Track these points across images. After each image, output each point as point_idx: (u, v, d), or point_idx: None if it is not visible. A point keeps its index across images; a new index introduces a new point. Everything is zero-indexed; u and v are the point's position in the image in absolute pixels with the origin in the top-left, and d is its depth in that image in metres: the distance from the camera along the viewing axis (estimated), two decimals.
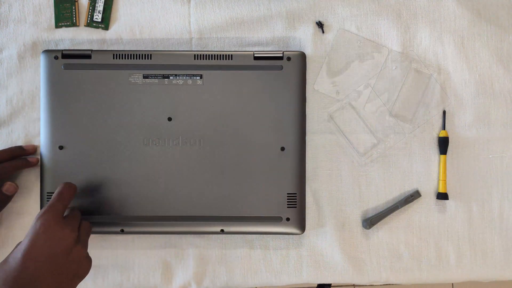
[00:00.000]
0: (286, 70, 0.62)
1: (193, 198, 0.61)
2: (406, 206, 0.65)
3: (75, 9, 0.65)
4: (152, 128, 0.61)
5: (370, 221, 0.64)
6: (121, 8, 0.65)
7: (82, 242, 0.54)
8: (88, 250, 0.64)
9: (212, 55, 0.62)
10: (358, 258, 0.65)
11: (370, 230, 0.65)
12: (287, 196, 0.61)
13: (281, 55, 0.62)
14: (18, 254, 0.49)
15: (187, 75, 0.61)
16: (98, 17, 0.64)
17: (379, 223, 0.64)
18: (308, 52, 0.64)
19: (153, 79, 0.61)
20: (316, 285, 0.78)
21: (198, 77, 0.61)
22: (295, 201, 0.62)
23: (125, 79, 0.61)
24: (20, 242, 0.51)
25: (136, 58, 0.61)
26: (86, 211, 0.61)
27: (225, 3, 0.65)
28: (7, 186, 0.61)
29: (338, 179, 0.65)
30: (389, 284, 0.66)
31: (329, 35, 0.65)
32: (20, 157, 0.62)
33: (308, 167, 0.64)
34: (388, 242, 0.65)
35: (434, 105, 0.65)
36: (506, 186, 0.66)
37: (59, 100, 0.61)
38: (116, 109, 0.61)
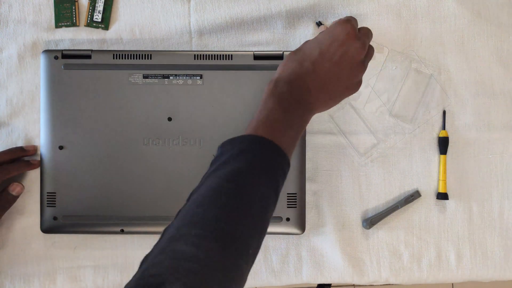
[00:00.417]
0: None
1: None
2: (406, 206, 0.65)
3: (75, 9, 0.65)
4: (152, 128, 0.61)
5: (370, 221, 0.64)
6: (121, 8, 0.65)
7: (365, 62, 0.54)
8: (88, 250, 0.64)
9: (212, 55, 0.62)
10: (358, 258, 0.65)
11: (370, 230, 0.65)
12: (287, 196, 0.61)
13: (281, 55, 0.62)
14: (316, 46, 0.51)
15: (187, 75, 0.61)
16: (98, 17, 0.64)
17: (379, 223, 0.64)
18: None
19: (153, 79, 0.61)
20: (316, 285, 0.78)
21: (198, 77, 0.61)
22: (295, 201, 0.61)
23: (125, 79, 0.61)
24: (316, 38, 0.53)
25: (136, 58, 0.61)
26: (86, 211, 0.61)
27: (225, 3, 0.65)
28: (14, 186, 0.61)
29: (338, 179, 0.65)
30: (389, 284, 0.66)
31: None
32: (21, 159, 0.62)
33: (308, 167, 0.64)
34: (388, 242, 0.65)
35: (434, 105, 0.65)
36: (506, 186, 0.66)
37: (59, 100, 0.61)
38: (116, 109, 0.61)
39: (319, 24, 0.65)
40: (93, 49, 0.63)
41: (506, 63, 0.66)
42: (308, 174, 0.64)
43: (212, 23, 0.65)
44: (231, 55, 0.62)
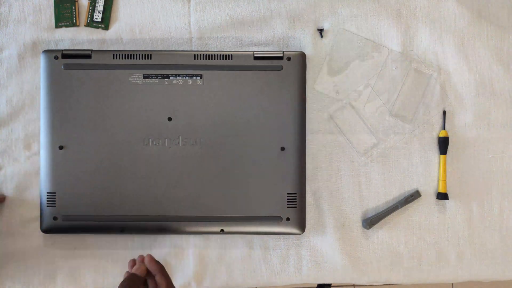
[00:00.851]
0: (286, 70, 0.62)
1: (193, 198, 0.61)
2: (406, 206, 0.65)
3: (75, 9, 0.65)
4: (152, 128, 0.61)
5: (370, 221, 0.64)
6: (121, 8, 0.65)
7: None
8: (88, 250, 0.64)
9: (212, 55, 0.62)
10: (358, 258, 0.65)
11: (370, 230, 0.65)
12: (287, 196, 0.61)
13: (281, 55, 0.62)
14: None
15: (187, 75, 0.61)
16: (98, 17, 0.64)
17: (379, 223, 0.64)
18: (308, 52, 0.64)
19: (153, 79, 0.61)
20: (316, 285, 0.78)
21: (198, 77, 0.61)
22: (295, 201, 0.61)
23: (125, 79, 0.61)
24: None
25: (136, 58, 0.61)
26: (86, 211, 0.61)
27: (225, 3, 0.65)
28: None
29: (338, 179, 0.65)
30: (389, 284, 0.66)
31: (329, 36, 0.65)
32: None
33: (308, 167, 0.64)
34: (388, 242, 0.65)
35: (434, 105, 0.65)
36: (506, 186, 0.66)
37: (59, 100, 0.61)
38: (116, 109, 0.61)
39: (320, 30, 0.65)
40: (93, 49, 0.63)
41: (506, 63, 0.66)
42: (308, 174, 0.64)
43: (212, 23, 0.65)
44: (231, 55, 0.62)
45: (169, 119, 0.61)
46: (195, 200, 0.61)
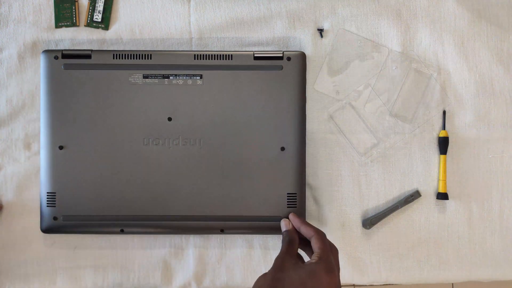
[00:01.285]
0: (286, 70, 0.62)
1: (193, 198, 0.61)
2: (406, 206, 0.65)
3: (75, 9, 0.65)
4: (152, 128, 0.61)
5: (370, 221, 0.64)
6: (121, 8, 0.65)
7: None
8: (88, 250, 0.64)
9: (212, 55, 0.62)
10: (358, 258, 0.65)
11: (370, 230, 0.65)
12: (287, 196, 0.61)
13: (281, 55, 0.62)
14: None
15: (187, 75, 0.61)
16: (98, 17, 0.64)
17: (379, 223, 0.64)
18: (308, 52, 0.64)
19: (153, 79, 0.61)
20: None
21: (198, 77, 0.61)
22: (295, 201, 0.61)
23: (125, 79, 0.61)
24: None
25: (136, 58, 0.61)
26: (86, 211, 0.61)
27: (225, 3, 0.65)
28: None
29: (338, 179, 0.65)
30: (389, 284, 0.66)
31: (329, 36, 0.65)
32: None
33: (308, 167, 0.64)
34: (388, 242, 0.65)
35: (434, 105, 0.65)
36: (506, 186, 0.66)
37: (59, 100, 0.61)
38: (116, 109, 0.61)
39: (320, 30, 0.65)
40: (93, 49, 0.63)
41: (506, 63, 0.66)
42: (308, 174, 0.64)
43: (212, 23, 0.65)
44: (231, 55, 0.62)
45: (169, 119, 0.61)
46: (195, 200, 0.61)
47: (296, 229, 0.57)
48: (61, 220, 0.61)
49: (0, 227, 0.64)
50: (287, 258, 0.52)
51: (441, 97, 0.65)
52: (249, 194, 0.61)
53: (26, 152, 0.64)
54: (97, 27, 0.65)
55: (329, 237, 0.64)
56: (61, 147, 0.61)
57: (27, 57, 0.64)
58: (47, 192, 0.61)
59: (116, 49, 0.65)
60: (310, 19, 0.65)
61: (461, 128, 0.65)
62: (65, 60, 0.61)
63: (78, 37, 0.65)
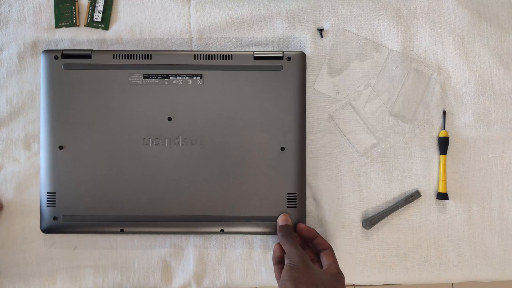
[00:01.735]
0: (286, 70, 0.62)
1: (193, 198, 0.61)
2: (406, 206, 0.65)
3: (75, 9, 0.65)
4: (152, 128, 0.61)
5: (370, 221, 0.64)
6: (121, 8, 0.65)
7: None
8: (88, 250, 0.64)
9: (212, 55, 0.62)
10: (358, 258, 0.65)
11: (370, 230, 0.65)
12: (287, 196, 0.61)
13: (281, 55, 0.62)
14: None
15: (187, 75, 0.61)
16: (98, 17, 0.64)
17: (379, 223, 0.64)
18: (308, 52, 0.64)
19: (153, 79, 0.61)
20: None
21: (198, 77, 0.61)
22: (295, 201, 0.61)
23: (125, 79, 0.61)
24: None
25: (136, 58, 0.61)
26: (86, 211, 0.61)
27: (225, 3, 0.65)
28: None
29: (338, 179, 0.65)
30: (389, 284, 0.66)
31: (329, 36, 0.65)
32: None
33: (308, 167, 0.64)
34: (388, 242, 0.65)
35: (434, 105, 0.65)
36: (506, 186, 0.66)
37: (59, 100, 0.61)
38: (116, 109, 0.61)
39: (320, 30, 0.65)
40: (93, 49, 0.63)
41: (506, 63, 0.66)
42: (308, 174, 0.64)
43: (212, 23, 0.65)
44: (231, 55, 0.62)
45: (169, 119, 0.61)
46: (195, 200, 0.61)
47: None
48: (61, 220, 0.61)
49: (0, 227, 0.64)
50: (306, 256, 0.56)
51: (441, 97, 0.65)
52: (249, 194, 0.61)
53: (26, 152, 0.64)
54: (97, 27, 0.65)
55: (329, 237, 0.65)
56: (61, 147, 0.61)
57: (27, 57, 0.64)
58: (47, 192, 0.61)
59: (116, 49, 0.65)
60: (310, 19, 0.65)
61: (461, 128, 0.65)
62: (65, 60, 0.61)
63: (78, 37, 0.65)
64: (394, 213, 0.64)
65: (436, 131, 0.65)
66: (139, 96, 0.61)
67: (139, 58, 0.61)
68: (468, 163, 0.65)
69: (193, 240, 0.64)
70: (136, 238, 0.64)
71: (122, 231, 0.61)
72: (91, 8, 0.65)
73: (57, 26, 0.65)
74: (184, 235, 0.64)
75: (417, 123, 0.65)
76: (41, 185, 0.61)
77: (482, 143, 0.65)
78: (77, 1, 0.65)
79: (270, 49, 0.65)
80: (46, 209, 0.61)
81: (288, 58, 0.62)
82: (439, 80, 0.65)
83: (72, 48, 0.64)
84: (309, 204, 0.64)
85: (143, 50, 0.62)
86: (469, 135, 0.65)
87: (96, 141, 0.61)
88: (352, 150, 0.65)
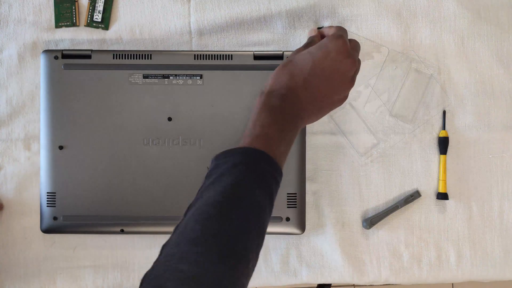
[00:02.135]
0: None
1: (193, 198, 0.61)
2: (406, 206, 0.65)
3: (75, 9, 0.65)
4: (152, 128, 0.61)
5: (370, 221, 0.64)
6: (121, 8, 0.65)
7: (353, 77, 0.55)
8: (88, 250, 0.64)
9: (212, 55, 0.62)
10: (358, 258, 0.65)
11: (370, 230, 0.65)
12: (287, 196, 0.61)
13: (281, 55, 0.62)
14: (308, 60, 0.52)
15: (187, 75, 0.61)
16: (98, 17, 0.64)
17: (379, 223, 0.64)
18: None
19: (153, 79, 0.61)
20: (316, 285, 0.78)
21: (198, 77, 0.61)
22: (295, 201, 0.61)
23: (125, 79, 0.61)
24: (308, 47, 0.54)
25: (136, 58, 0.61)
26: (86, 211, 0.61)
27: (225, 3, 0.65)
28: None
29: (338, 179, 0.65)
30: (389, 284, 0.66)
31: None
32: None
33: (308, 167, 0.64)
34: (388, 242, 0.65)
35: (434, 105, 0.65)
36: (506, 186, 0.66)
37: (59, 100, 0.61)
38: (116, 109, 0.61)
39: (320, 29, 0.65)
40: (93, 49, 0.63)
41: (506, 63, 0.66)
42: (308, 174, 0.64)
43: (212, 23, 0.65)
44: (231, 55, 0.62)
45: (169, 119, 0.61)
46: None
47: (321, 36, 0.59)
48: (61, 220, 0.61)
49: (0, 227, 0.63)
50: (301, 48, 0.55)
51: (441, 97, 0.65)
52: None
53: (26, 152, 0.64)
54: (97, 27, 0.65)
55: (329, 237, 0.64)
56: (61, 147, 0.61)
57: (27, 57, 0.64)
58: (47, 192, 0.61)
59: (116, 49, 0.65)
60: (310, 19, 0.65)
61: (461, 128, 0.65)
62: (65, 60, 0.61)
63: (78, 37, 0.65)
64: (394, 213, 0.64)
65: (436, 131, 0.65)
66: (139, 96, 0.61)
67: (139, 58, 0.61)
68: (468, 163, 0.65)
69: None
70: (136, 238, 0.64)
71: (122, 231, 0.61)
72: (91, 8, 0.65)
73: (57, 26, 0.65)
74: None
75: (417, 123, 0.65)
76: (41, 185, 0.61)
77: (482, 143, 0.65)
78: (77, 1, 0.65)
79: (270, 49, 0.65)
80: (46, 209, 0.61)
81: None
82: (439, 80, 0.65)
83: (72, 48, 0.64)
84: (309, 204, 0.64)
85: (143, 50, 0.62)
86: (469, 135, 0.65)
87: (96, 141, 0.61)
88: (352, 150, 0.65)
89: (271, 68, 0.61)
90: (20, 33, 0.64)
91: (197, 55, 0.62)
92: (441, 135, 0.65)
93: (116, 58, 0.61)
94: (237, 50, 0.65)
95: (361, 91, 0.65)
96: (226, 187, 0.45)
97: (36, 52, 0.64)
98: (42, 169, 0.61)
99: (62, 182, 0.61)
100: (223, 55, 0.62)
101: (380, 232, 0.65)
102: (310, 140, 0.64)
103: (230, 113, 0.61)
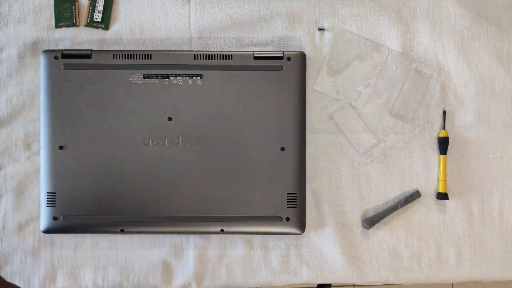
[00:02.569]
0: (286, 70, 0.62)
1: (193, 198, 0.61)
2: (406, 206, 0.65)
3: (75, 9, 0.65)
4: (152, 128, 0.61)
5: (370, 221, 0.64)
6: (121, 8, 0.65)
7: None
8: (88, 250, 0.64)
9: (212, 55, 0.62)
10: (358, 258, 0.65)
11: (370, 230, 0.65)
12: (287, 196, 0.61)
13: (281, 55, 0.62)
14: None
15: (187, 75, 0.61)
16: (98, 17, 0.64)
17: (379, 223, 0.64)
18: (308, 52, 0.64)
19: (153, 79, 0.61)
20: (316, 285, 0.78)
21: (198, 77, 0.61)
22: (295, 201, 0.61)
23: (125, 79, 0.61)
24: None
25: (136, 58, 0.61)
26: (86, 211, 0.61)
27: (225, 3, 0.65)
28: None
29: (338, 179, 0.65)
30: (389, 284, 0.66)
31: (329, 36, 0.65)
32: None
33: (308, 167, 0.64)
34: (388, 242, 0.65)
35: (434, 105, 0.65)
36: (506, 186, 0.66)
37: (59, 100, 0.61)
38: (116, 109, 0.61)
39: (321, 30, 0.65)
40: (93, 49, 0.63)
41: (506, 63, 0.66)
42: (308, 174, 0.64)
43: (212, 23, 0.65)
44: (231, 55, 0.62)
45: (169, 119, 0.61)
46: (195, 200, 0.61)
47: None
48: (61, 220, 0.61)
49: (0, 227, 0.63)
50: None
51: (441, 97, 0.65)
52: (249, 194, 0.61)
53: (26, 152, 0.64)
54: (97, 27, 0.65)
55: (329, 237, 0.64)
56: (61, 147, 0.61)
57: (27, 57, 0.64)
58: (47, 192, 0.61)
59: (116, 49, 0.65)
60: (310, 19, 0.65)
61: (461, 128, 0.65)
62: (65, 60, 0.61)
63: (78, 37, 0.65)
64: (394, 213, 0.64)
65: (436, 131, 0.65)
66: (139, 96, 0.61)
67: (139, 58, 0.61)
68: (468, 163, 0.65)
69: (193, 240, 0.64)
70: (136, 238, 0.64)
71: (122, 231, 0.61)
72: (91, 8, 0.65)
73: (57, 26, 0.65)
74: (184, 235, 0.64)
75: (417, 123, 0.65)
76: (41, 185, 0.61)
77: (482, 143, 0.65)
78: (77, 1, 0.65)
79: (270, 49, 0.65)
80: (46, 209, 0.61)
81: (288, 58, 0.62)
82: (439, 80, 0.65)
83: (72, 48, 0.64)
84: (309, 204, 0.64)
85: (143, 50, 0.62)
86: (469, 135, 0.65)
87: (96, 141, 0.61)
88: (352, 150, 0.65)
89: (271, 68, 0.61)
90: (20, 33, 0.64)
91: (197, 55, 0.62)
92: (441, 135, 0.65)
93: (116, 58, 0.61)
94: (237, 50, 0.65)
95: (361, 91, 0.65)
96: None
97: (36, 52, 0.64)
98: (42, 169, 0.61)
99: (62, 182, 0.61)
100: (223, 55, 0.62)
101: (380, 232, 0.65)
102: (310, 140, 0.64)
103: (230, 113, 0.61)
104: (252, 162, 0.61)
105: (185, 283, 0.64)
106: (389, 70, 0.65)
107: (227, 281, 0.64)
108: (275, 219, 0.61)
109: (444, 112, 0.65)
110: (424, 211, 0.65)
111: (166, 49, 0.65)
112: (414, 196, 0.64)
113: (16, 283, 0.63)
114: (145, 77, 0.61)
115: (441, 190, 0.64)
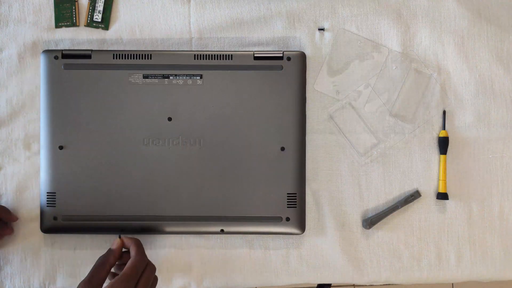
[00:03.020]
0: (286, 70, 0.62)
1: (193, 198, 0.61)
2: (406, 206, 0.65)
3: (75, 9, 0.65)
4: (152, 128, 0.61)
5: (370, 221, 0.64)
6: (121, 8, 0.65)
7: None
8: (88, 250, 0.64)
9: (212, 55, 0.62)
10: (358, 258, 0.65)
11: (370, 230, 0.65)
12: (287, 196, 0.61)
13: (281, 55, 0.62)
14: None
15: (187, 75, 0.61)
16: (98, 17, 0.64)
17: (379, 223, 0.64)
18: (308, 52, 0.64)
19: (153, 79, 0.61)
20: (316, 285, 0.78)
21: (198, 77, 0.61)
22: (295, 201, 0.62)
23: (125, 79, 0.61)
24: None
25: (136, 58, 0.61)
26: (86, 211, 0.61)
27: (225, 3, 0.65)
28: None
29: (338, 179, 0.65)
30: (389, 284, 0.66)
31: (329, 36, 0.65)
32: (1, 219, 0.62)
33: (308, 167, 0.64)
34: (388, 242, 0.65)
35: (434, 105, 0.65)
36: (506, 186, 0.66)
37: (59, 100, 0.61)
38: (116, 109, 0.61)
39: (322, 30, 0.65)
40: (93, 49, 0.63)
41: (506, 63, 0.66)
42: (308, 174, 0.64)
43: (212, 23, 0.65)
44: (231, 55, 0.62)
45: (169, 119, 0.61)
46: (195, 200, 0.61)
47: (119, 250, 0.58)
48: (61, 220, 0.61)
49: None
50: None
51: (441, 97, 0.65)
52: (249, 194, 0.61)
53: (26, 152, 0.64)
54: (97, 27, 0.65)
55: (329, 237, 0.64)
56: (61, 147, 0.61)
57: (27, 57, 0.64)
58: (47, 192, 0.61)
59: (116, 49, 0.65)
60: (310, 19, 0.65)
61: (461, 128, 0.65)
62: (65, 60, 0.61)
63: (78, 37, 0.65)
64: (394, 213, 0.64)
65: (436, 131, 0.65)
66: (139, 96, 0.61)
67: (139, 58, 0.61)
68: (468, 163, 0.65)
69: (193, 240, 0.64)
70: None
71: (122, 231, 0.61)
72: (91, 8, 0.65)
73: (57, 26, 0.65)
74: (184, 235, 0.64)
75: (417, 123, 0.65)
76: (41, 185, 0.61)
77: (482, 143, 0.65)
78: (77, 1, 0.65)
79: (270, 49, 0.65)
80: (46, 209, 0.61)
81: (288, 58, 0.62)
82: (439, 80, 0.65)
83: (72, 48, 0.64)
84: (309, 204, 0.64)
85: (143, 50, 0.62)
86: (469, 135, 0.65)
87: (96, 141, 0.61)
88: (352, 150, 0.65)
89: (271, 68, 0.61)
90: (20, 33, 0.64)
91: (197, 55, 0.62)
92: (441, 135, 0.65)
93: (116, 58, 0.61)
94: (237, 50, 0.65)
95: (361, 91, 0.65)
96: None
97: (36, 52, 0.64)
98: (42, 169, 0.61)
99: (62, 182, 0.61)
100: (223, 55, 0.62)
101: (380, 232, 0.65)
102: (310, 140, 0.64)
103: (230, 113, 0.61)
104: (252, 162, 0.61)
105: (185, 283, 0.64)
106: (389, 70, 0.65)
107: (227, 281, 0.64)
108: (275, 219, 0.61)
109: (444, 112, 0.65)
110: (424, 211, 0.65)
111: (166, 49, 0.65)
112: (414, 196, 0.64)
113: (16, 283, 0.63)
114: (145, 77, 0.61)
115: (441, 190, 0.64)
